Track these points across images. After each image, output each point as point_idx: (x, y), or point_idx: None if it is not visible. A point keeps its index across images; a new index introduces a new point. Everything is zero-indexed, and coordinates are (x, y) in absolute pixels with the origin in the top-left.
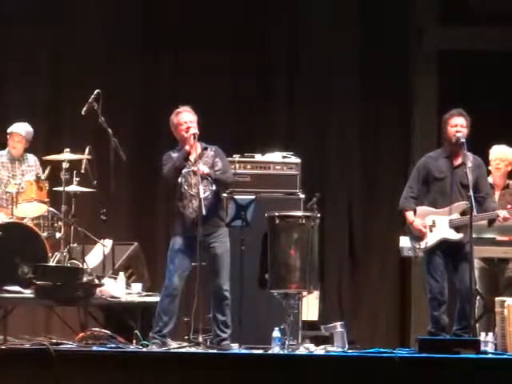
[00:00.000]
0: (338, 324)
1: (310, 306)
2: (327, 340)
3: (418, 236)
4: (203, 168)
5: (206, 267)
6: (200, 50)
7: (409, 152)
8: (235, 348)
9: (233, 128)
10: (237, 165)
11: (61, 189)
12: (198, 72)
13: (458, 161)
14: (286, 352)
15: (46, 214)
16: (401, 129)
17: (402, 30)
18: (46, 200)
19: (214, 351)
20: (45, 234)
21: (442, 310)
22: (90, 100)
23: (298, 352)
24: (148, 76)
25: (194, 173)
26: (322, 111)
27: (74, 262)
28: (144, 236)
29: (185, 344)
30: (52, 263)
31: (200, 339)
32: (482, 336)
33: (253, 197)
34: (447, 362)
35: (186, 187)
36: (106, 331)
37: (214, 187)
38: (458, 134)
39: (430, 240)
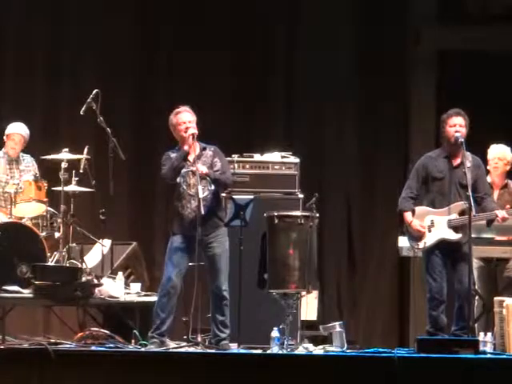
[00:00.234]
0: (337, 324)
1: (309, 306)
2: (326, 340)
3: (416, 236)
4: (202, 168)
5: (204, 267)
6: (199, 49)
7: (407, 152)
8: (234, 348)
9: (231, 128)
10: (236, 165)
11: (59, 188)
12: (197, 72)
13: (457, 161)
14: (284, 352)
15: (44, 213)
16: (399, 129)
17: (400, 29)
18: (45, 200)
19: (213, 351)
20: (43, 234)
21: (441, 309)
22: (89, 100)
23: (296, 352)
24: (147, 76)
25: (193, 173)
26: (320, 111)
27: (73, 261)
28: (143, 236)
29: (184, 344)
30: (51, 263)
31: (199, 339)
32: (481, 336)
33: (252, 197)
34: (446, 362)
35: (185, 187)
36: (104, 331)
37: (212, 187)
38: (457, 134)
39: (429, 240)
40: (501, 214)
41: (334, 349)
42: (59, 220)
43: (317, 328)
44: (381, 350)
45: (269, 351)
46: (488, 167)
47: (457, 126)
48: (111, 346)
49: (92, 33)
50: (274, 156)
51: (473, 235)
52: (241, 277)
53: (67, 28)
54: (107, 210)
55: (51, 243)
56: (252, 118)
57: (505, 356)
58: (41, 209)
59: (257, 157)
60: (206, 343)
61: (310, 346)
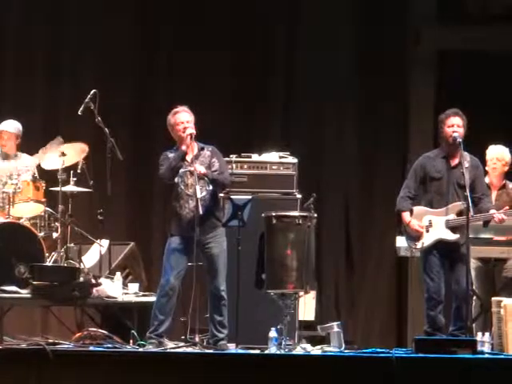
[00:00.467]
0: (335, 324)
1: (307, 306)
2: (324, 340)
3: (414, 236)
4: (200, 168)
5: (203, 267)
6: (199, 49)
7: (406, 152)
8: (232, 348)
9: (230, 128)
10: (234, 165)
11: (57, 189)
12: (197, 72)
13: (455, 161)
14: (282, 352)
15: (42, 213)
16: (398, 129)
17: (400, 29)
18: (43, 200)
19: (211, 351)
20: (41, 234)
21: (439, 309)
22: (87, 100)
23: (294, 352)
24: (145, 76)
25: (191, 173)
26: (320, 111)
27: (71, 261)
28: (141, 236)
29: (182, 344)
30: (49, 263)
31: (197, 339)
32: (479, 336)
33: (249, 197)
34: (444, 362)
35: (183, 187)
36: (102, 331)
37: (210, 187)
38: (455, 134)
39: (427, 240)
40: (498, 215)
41: (331, 349)
42: (57, 220)
43: (315, 328)
44: (379, 350)
45: (267, 351)
46: (486, 168)
47: (455, 126)
48: (109, 346)
49: (92, 33)
50: (272, 156)
51: (471, 235)
52: (239, 277)
53: (67, 28)
54: (105, 210)
55: (49, 243)
56: (252, 118)
57: (502, 356)
58: (39, 209)
59: (255, 157)
60: (204, 343)
61: (308, 347)
